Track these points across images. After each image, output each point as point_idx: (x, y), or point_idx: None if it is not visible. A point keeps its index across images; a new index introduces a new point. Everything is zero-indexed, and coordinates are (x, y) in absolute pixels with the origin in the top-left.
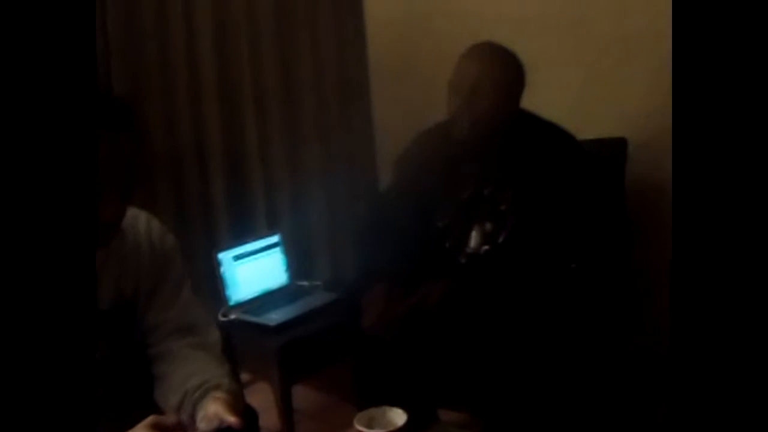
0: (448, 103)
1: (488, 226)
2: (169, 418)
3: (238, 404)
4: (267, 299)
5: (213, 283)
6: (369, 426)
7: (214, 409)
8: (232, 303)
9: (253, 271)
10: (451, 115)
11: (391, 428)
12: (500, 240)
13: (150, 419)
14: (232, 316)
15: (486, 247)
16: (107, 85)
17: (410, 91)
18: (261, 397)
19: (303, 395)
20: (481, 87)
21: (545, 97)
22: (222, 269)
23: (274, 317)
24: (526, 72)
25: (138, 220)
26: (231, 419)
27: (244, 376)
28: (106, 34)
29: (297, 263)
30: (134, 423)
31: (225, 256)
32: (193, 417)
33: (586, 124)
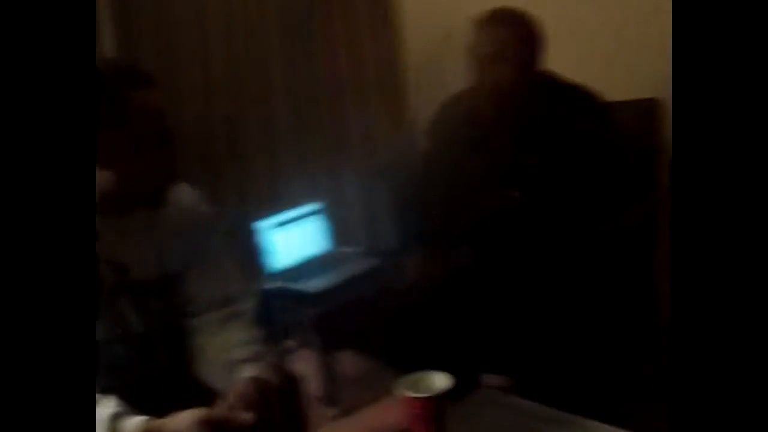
0: (472, 71)
1: (520, 188)
2: (218, 412)
3: (270, 380)
4: (308, 266)
5: (253, 251)
6: (414, 390)
7: (240, 395)
8: (274, 270)
9: (294, 238)
10: (474, 82)
11: (435, 392)
12: (531, 203)
13: (199, 414)
14: (275, 283)
15: (519, 209)
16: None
17: (447, 59)
18: (305, 364)
19: (346, 361)
20: (498, 53)
21: (574, 60)
22: (264, 236)
23: (315, 284)
24: (553, 35)
25: (178, 191)
26: (243, 417)
27: (288, 343)
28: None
29: (338, 230)
30: (175, 396)
31: (266, 224)
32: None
33: (617, 86)
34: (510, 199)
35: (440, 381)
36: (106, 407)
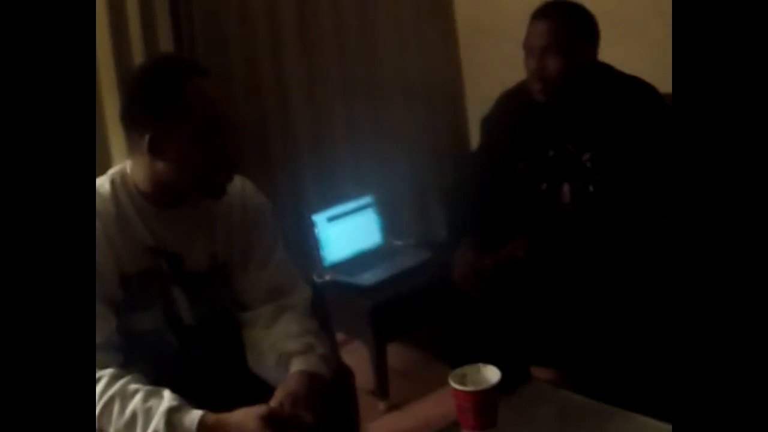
0: (525, 64)
1: (574, 182)
2: (277, 409)
3: (321, 374)
4: (361, 259)
5: (303, 245)
6: (462, 383)
7: (292, 390)
8: (326, 264)
9: (347, 231)
10: (528, 76)
11: (485, 385)
12: (587, 196)
13: (258, 410)
14: (327, 277)
15: (573, 203)
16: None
17: (499, 49)
18: (356, 357)
19: (397, 354)
20: (551, 46)
21: (629, 51)
22: (316, 230)
23: (368, 277)
24: (605, 26)
25: (234, 183)
26: (306, 417)
27: (339, 336)
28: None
29: (390, 223)
30: (227, 388)
31: (319, 218)
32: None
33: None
34: (566, 192)
35: (490, 374)
36: (161, 400)
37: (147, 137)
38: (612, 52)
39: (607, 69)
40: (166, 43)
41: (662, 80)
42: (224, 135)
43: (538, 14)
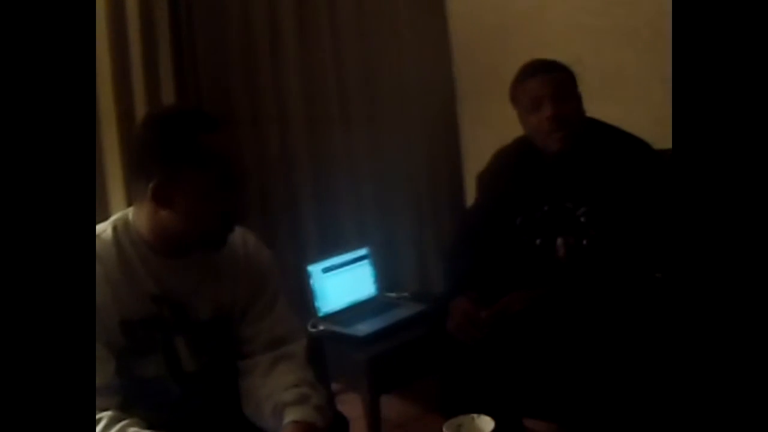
0: (526, 120)
1: (569, 237)
2: None
3: (315, 424)
4: (356, 311)
5: (301, 295)
6: None
7: None
8: (321, 314)
9: (342, 283)
10: (538, 129)
11: None
12: (581, 250)
13: None
14: (321, 327)
15: (568, 258)
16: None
17: (497, 106)
18: (350, 407)
19: (391, 405)
20: (558, 93)
21: (628, 111)
22: (312, 281)
23: (363, 328)
24: (606, 87)
25: (233, 234)
26: None
27: (334, 386)
28: (195, 54)
29: (385, 275)
30: None
31: (315, 269)
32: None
33: (667, 134)
34: (560, 246)
35: (484, 424)
36: None
37: (152, 185)
38: (612, 111)
39: (599, 124)
40: (168, 91)
41: (662, 137)
42: (238, 191)
43: (533, 70)
